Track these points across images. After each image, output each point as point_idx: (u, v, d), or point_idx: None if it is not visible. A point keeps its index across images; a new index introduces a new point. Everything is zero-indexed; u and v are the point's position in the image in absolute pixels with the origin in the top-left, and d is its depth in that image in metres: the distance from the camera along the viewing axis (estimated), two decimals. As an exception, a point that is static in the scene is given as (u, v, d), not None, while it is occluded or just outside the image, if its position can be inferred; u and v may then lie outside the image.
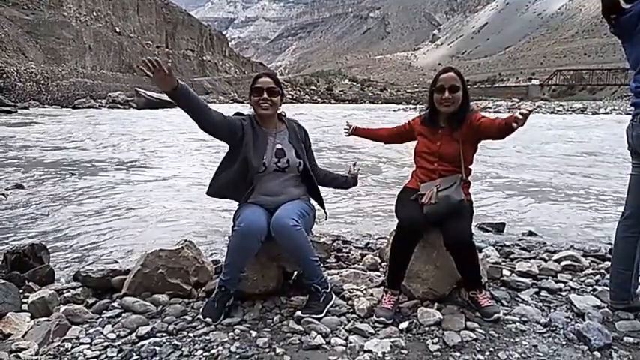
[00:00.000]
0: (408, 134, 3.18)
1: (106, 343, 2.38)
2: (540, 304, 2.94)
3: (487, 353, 2.34)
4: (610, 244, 3.64)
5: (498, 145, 15.39)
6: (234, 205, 2.93)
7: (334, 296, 2.85)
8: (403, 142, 3.33)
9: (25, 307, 2.84)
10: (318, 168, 3.20)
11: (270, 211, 2.76)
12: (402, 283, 2.91)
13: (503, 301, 2.94)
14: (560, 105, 60.83)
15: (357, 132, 3.54)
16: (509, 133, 2.59)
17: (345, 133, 3.58)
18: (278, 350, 2.33)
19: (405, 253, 2.75)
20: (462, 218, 2.73)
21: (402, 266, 2.77)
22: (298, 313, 2.65)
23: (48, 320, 2.60)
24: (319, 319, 2.60)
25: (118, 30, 77.64)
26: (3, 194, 6.59)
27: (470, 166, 2.94)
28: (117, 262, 3.65)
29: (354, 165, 3.34)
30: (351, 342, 2.40)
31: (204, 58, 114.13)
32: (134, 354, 2.28)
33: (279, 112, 2.97)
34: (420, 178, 2.94)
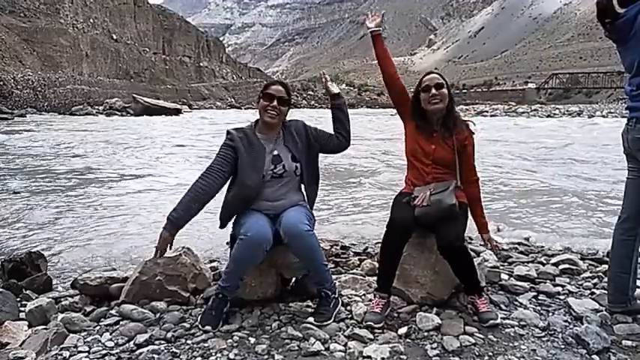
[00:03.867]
0: (404, 98, 3.04)
1: (104, 352, 2.37)
2: (539, 308, 2.94)
3: (486, 358, 2.33)
4: (608, 246, 3.65)
5: (495, 148, 15.41)
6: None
7: (340, 300, 2.85)
8: (393, 96, 3.09)
9: (22, 315, 2.83)
10: (329, 133, 3.05)
11: (270, 217, 2.76)
12: (401, 288, 2.92)
13: (502, 305, 2.94)
14: (557, 108, 61.14)
15: (377, 39, 3.11)
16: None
17: (370, 22, 3.13)
18: (277, 357, 2.33)
19: (394, 254, 2.74)
20: (453, 223, 2.73)
21: (392, 268, 2.77)
22: (310, 319, 2.64)
23: (46, 329, 2.60)
24: (327, 325, 2.61)
25: (115, 37, 77.71)
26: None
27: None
28: (114, 269, 3.64)
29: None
30: (350, 348, 2.39)
31: (201, 64, 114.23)
32: (132, 362, 2.27)
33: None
34: (412, 182, 2.94)
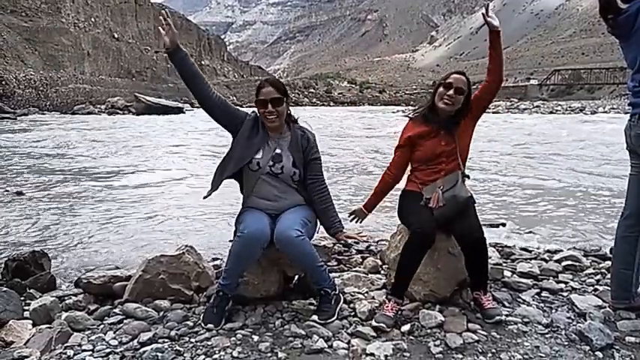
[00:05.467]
0: (409, 153, 2.98)
1: (108, 350, 2.38)
2: (542, 304, 2.95)
3: (489, 355, 2.34)
4: (611, 243, 3.64)
5: (497, 145, 15.38)
6: (235, 209, 2.94)
7: (342, 297, 2.86)
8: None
9: (26, 314, 2.84)
10: (321, 187, 2.93)
11: (271, 216, 2.76)
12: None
13: (505, 303, 2.94)
14: (559, 105, 60.75)
15: (367, 209, 3.09)
16: (499, 43, 2.77)
17: (356, 219, 3.13)
18: (280, 355, 2.33)
19: (416, 262, 2.71)
20: (470, 215, 2.76)
21: (411, 275, 2.75)
22: (314, 317, 2.64)
23: (50, 327, 2.60)
24: (332, 322, 2.61)
25: (116, 36, 77.70)
26: (3, 200, 6.59)
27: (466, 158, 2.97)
28: (118, 268, 3.65)
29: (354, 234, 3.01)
30: (353, 345, 2.40)
31: (202, 62, 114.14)
32: (136, 360, 2.28)
33: (290, 113, 2.94)
34: (421, 179, 2.92)
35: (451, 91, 2.81)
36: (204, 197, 2.90)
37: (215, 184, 2.87)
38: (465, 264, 2.76)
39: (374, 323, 2.59)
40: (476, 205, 2.92)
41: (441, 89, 2.86)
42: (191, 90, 2.80)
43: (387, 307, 2.71)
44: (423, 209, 2.79)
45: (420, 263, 2.73)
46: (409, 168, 3.05)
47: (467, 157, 2.96)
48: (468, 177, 2.94)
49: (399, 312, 2.74)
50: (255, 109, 2.90)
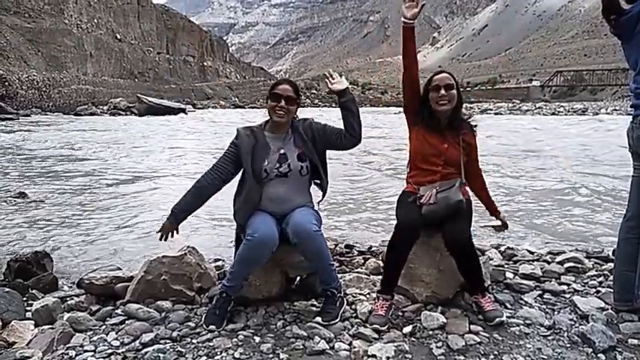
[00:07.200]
0: (415, 94, 2.96)
1: (109, 351, 2.38)
2: (544, 306, 2.94)
3: (491, 357, 2.33)
4: (613, 245, 3.63)
5: (499, 146, 15.35)
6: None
7: (345, 300, 2.86)
8: (406, 89, 2.99)
9: (28, 315, 2.84)
10: (338, 129, 2.91)
11: (276, 218, 2.76)
12: (405, 287, 2.92)
13: (507, 304, 2.93)
14: (561, 106, 60.72)
15: (410, 32, 2.95)
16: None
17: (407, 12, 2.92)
18: (282, 356, 2.33)
19: (402, 255, 2.72)
20: (460, 219, 2.74)
21: (397, 269, 2.76)
22: (318, 319, 2.63)
23: (52, 328, 2.60)
24: (334, 324, 2.61)
25: (119, 37, 77.95)
26: (6, 201, 6.60)
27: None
28: (120, 269, 3.65)
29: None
30: (354, 347, 2.39)
31: (204, 63, 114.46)
32: (138, 361, 2.28)
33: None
34: (418, 180, 2.92)
35: (442, 91, 2.82)
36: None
37: (247, 214, 2.79)
38: (457, 268, 2.75)
39: (368, 326, 2.60)
40: (473, 209, 2.91)
41: (432, 94, 2.86)
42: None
43: (378, 305, 2.72)
44: (412, 205, 2.80)
45: (407, 258, 2.74)
46: (407, 170, 3.05)
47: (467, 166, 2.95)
48: (465, 184, 2.92)
49: (391, 308, 2.74)
50: (239, 127, 2.92)
